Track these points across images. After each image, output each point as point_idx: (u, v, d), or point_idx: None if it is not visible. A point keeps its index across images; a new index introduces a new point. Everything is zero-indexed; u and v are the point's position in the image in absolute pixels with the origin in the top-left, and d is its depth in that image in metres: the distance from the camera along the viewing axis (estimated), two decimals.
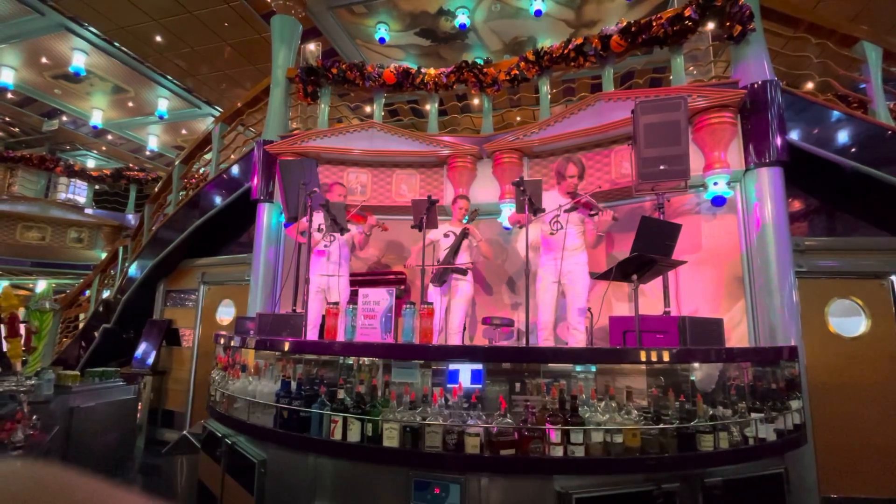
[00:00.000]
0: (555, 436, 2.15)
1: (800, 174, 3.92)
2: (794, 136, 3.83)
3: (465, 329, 4.26)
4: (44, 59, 9.01)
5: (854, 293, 3.80)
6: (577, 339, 3.56)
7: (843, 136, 3.83)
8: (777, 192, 3.70)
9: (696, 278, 3.96)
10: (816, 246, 3.89)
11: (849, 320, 3.79)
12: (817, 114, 3.90)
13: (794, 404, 2.65)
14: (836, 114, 3.88)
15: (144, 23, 7.82)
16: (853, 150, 3.78)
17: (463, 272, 4.13)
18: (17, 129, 12.33)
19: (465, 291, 4.23)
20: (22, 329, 3.20)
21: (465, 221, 4.28)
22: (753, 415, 2.40)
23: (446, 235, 4.20)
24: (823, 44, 4.23)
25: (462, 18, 7.24)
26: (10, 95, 10.44)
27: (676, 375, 2.58)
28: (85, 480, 0.31)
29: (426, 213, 3.66)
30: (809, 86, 5.64)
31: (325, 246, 4.06)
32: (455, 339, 4.09)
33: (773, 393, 2.64)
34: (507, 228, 4.83)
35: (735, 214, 3.92)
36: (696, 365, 2.63)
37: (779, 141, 3.70)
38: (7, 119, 11.75)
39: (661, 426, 2.22)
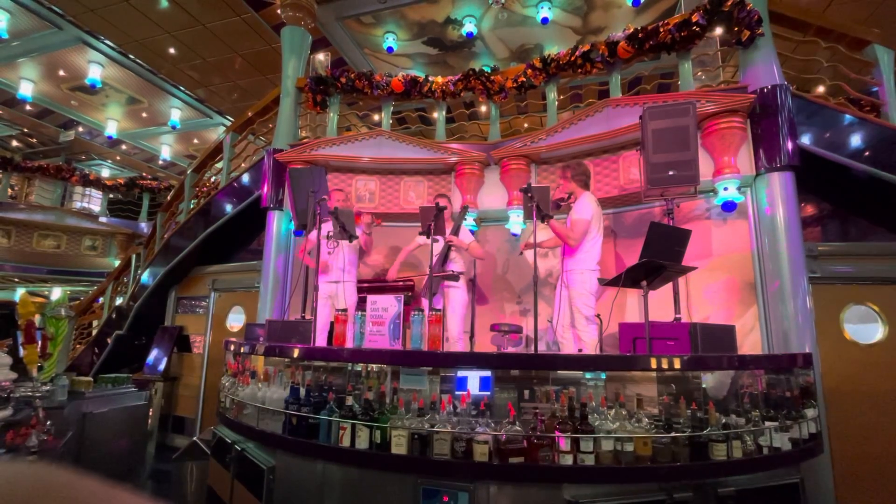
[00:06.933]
0: (564, 444, 2.13)
1: (812, 179, 3.87)
2: (805, 140, 3.79)
3: (472, 336, 4.24)
4: (61, 72, 9.25)
5: (870, 299, 3.73)
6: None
7: (855, 140, 3.78)
8: (789, 197, 3.66)
9: (707, 284, 3.92)
10: (830, 251, 3.83)
11: (865, 327, 3.71)
12: (828, 118, 3.86)
13: (810, 413, 2.60)
14: (847, 117, 3.83)
15: (158, 35, 8.01)
16: (866, 153, 3.73)
17: (455, 278, 4.08)
18: (34, 140, 12.63)
19: (459, 298, 4.17)
20: (38, 336, 3.26)
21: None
22: (767, 423, 2.36)
23: (436, 240, 4.19)
24: (834, 47, 4.20)
25: (469, 27, 7.30)
26: (28, 107, 10.71)
27: (688, 383, 2.55)
28: (88, 482, 0.32)
29: (434, 220, 3.67)
30: (820, 90, 5.59)
31: (329, 253, 4.07)
32: (456, 348, 4.06)
33: (788, 401, 2.59)
34: (515, 235, 4.83)
35: (746, 220, 3.88)
36: (708, 373, 2.59)
37: (789, 145, 3.67)
38: (25, 130, 12.04)
39: (673, 434, 2.19)
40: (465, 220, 4.79)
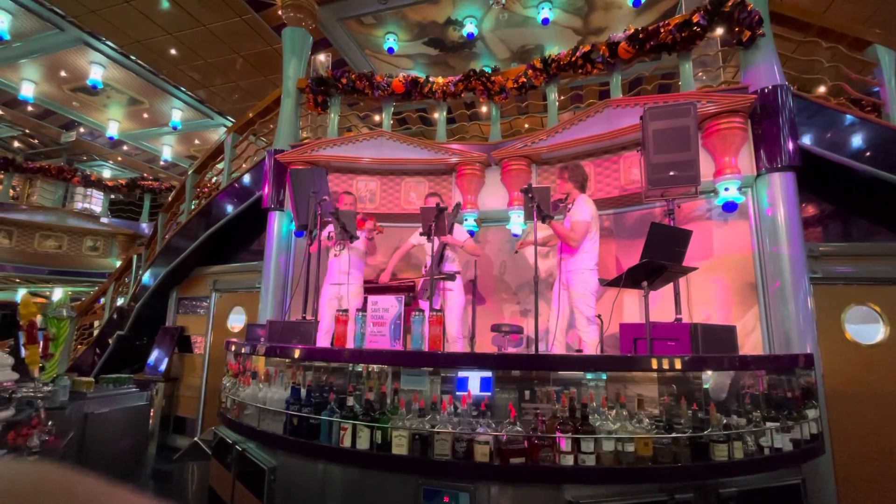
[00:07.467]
0: (565, 444, 2.13)
1: (813, 179, 3.87)
2: (806, 140, 3.79)
3: (472, 336, 4.25)
4: (63, 73, 9.26)
5: (872, 299, 3.72)
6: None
7: (856, 140, 3.78)
8: (790, 198, 3.65)
9: (708, 285, 3.91)
10: (832, 251, 3.83)
11: (867, 327, 3.70)
12: (830, 118, 3.85)
13: (811, 413, 2.60)
14: (849, 118, 3.83)
15: (159, 36, 8.02)
16: (867, 154, 3.73)
17: (451, 278, 4.09)
18: (36, 141, 12.66)
19: (457, 298, 4.18)
20: (40, 336, 3.27)
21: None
22: (769, 424, 2.36)
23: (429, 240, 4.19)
24: (835, 48, 4.19)
25: (470, 28, 7.30)
26: (30, 108, 10.73)
27: (689, 383, 2.55)
28: (89, 481, 0.32)
29: (435, 221, 3.67)
30: (821, 90, 5.58)
31: (335, 255, 4.11)
32: (455, 348, 4.06)
33: (789, 401, 2.59)
34: (515, 235, 4.83)
35: (747, 220, 3.88)
36: (709, 373, 2.59)
37: (790, 146, 3.67)
38: (27, 131, 12.07)
39: (674, 435, 2.19)
40: (465, 220, 4.81)
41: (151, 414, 5.10)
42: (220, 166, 6.35)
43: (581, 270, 3.64)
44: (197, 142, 12.46)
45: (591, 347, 3.55)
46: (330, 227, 4.06)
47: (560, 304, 3.72)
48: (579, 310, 3.60)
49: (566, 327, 3.79)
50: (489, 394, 2.43)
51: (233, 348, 3.41)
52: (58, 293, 12.21)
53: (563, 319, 3.72)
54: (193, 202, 6.53)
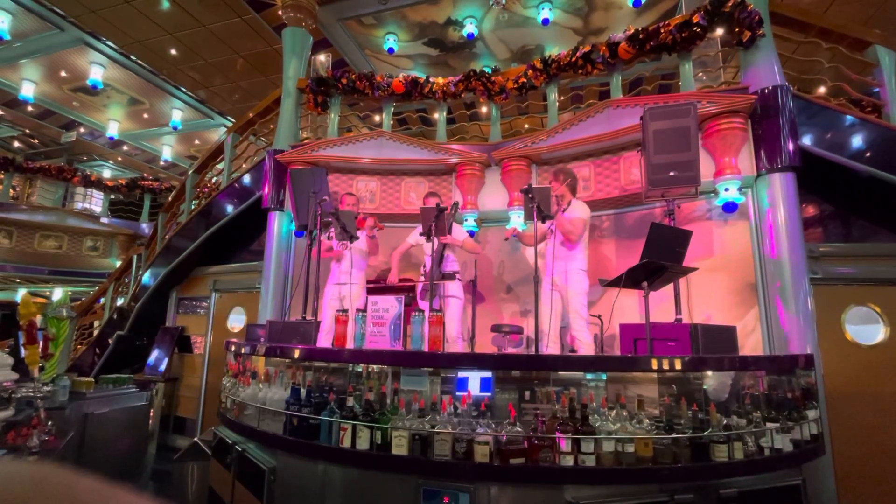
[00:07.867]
0: (565, 445, 2.13)
1: (813, 180, 3.87)
2: (806, 141, 3.79)
3: (472, 336, 4.24)
4: (63, 73, 9.26)
5: (872, 300, 3.72)
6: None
7: (856, 141, 3.78)
8: (790, 198, 3.65)
9: (708, 285, 3.91)
10: (832, 252, 3.83)
11: (867, 328, 3.70)
12: (830, 118, 3.85)
13: (811, 414, 2.60)
14: (849, 118, 3.83)
15: (159, 36, 8.02)
16: (868, 154, 3.73)
17: (451, 278, 4.08)
18: (36, 141, 12.65)
19: (456, 298, 4.18)
20: (39, 336, 3.26)
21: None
22: (769, 424, 2.36)
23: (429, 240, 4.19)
24: (835, 48, 4.19)
25: (470, 28, 7.31)
26: (30, 108, 10.73)
27: (689, 384, 2.55)
28: (88, 481, 0.32)
29: (435, 221, 3.66)
30: (821, 90, 5.58)
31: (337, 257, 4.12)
32: (454, 348, 4.06)
33: (789, 402, 2.59)
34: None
35: (747, 220, 3.88)
36: (709, 373, 2.59)
37: (791, 146, 3.67)
38: (27, 131, 12.06)
39: (674, 435, 2.19)
40: (465, 220, 4.81)
41: (151, 414, 5.09)
42: (220, 166, 6.35)
43: (576, 271, 3.68)
44: (197, 142, 12.46)
45: (586, 347, 3.55)
46: (330, 230, 4.06)
47: (552, 304, 3.72)
48: (576, 310, 3.61)
49: (559, 328, 3.80)
50: (489, 394, 2.43)
51: (233, 348, 3.41)
52: (58, 293, 12.20)
53: (556, 320, 3.73)
54: (193, 202, 6.52)
